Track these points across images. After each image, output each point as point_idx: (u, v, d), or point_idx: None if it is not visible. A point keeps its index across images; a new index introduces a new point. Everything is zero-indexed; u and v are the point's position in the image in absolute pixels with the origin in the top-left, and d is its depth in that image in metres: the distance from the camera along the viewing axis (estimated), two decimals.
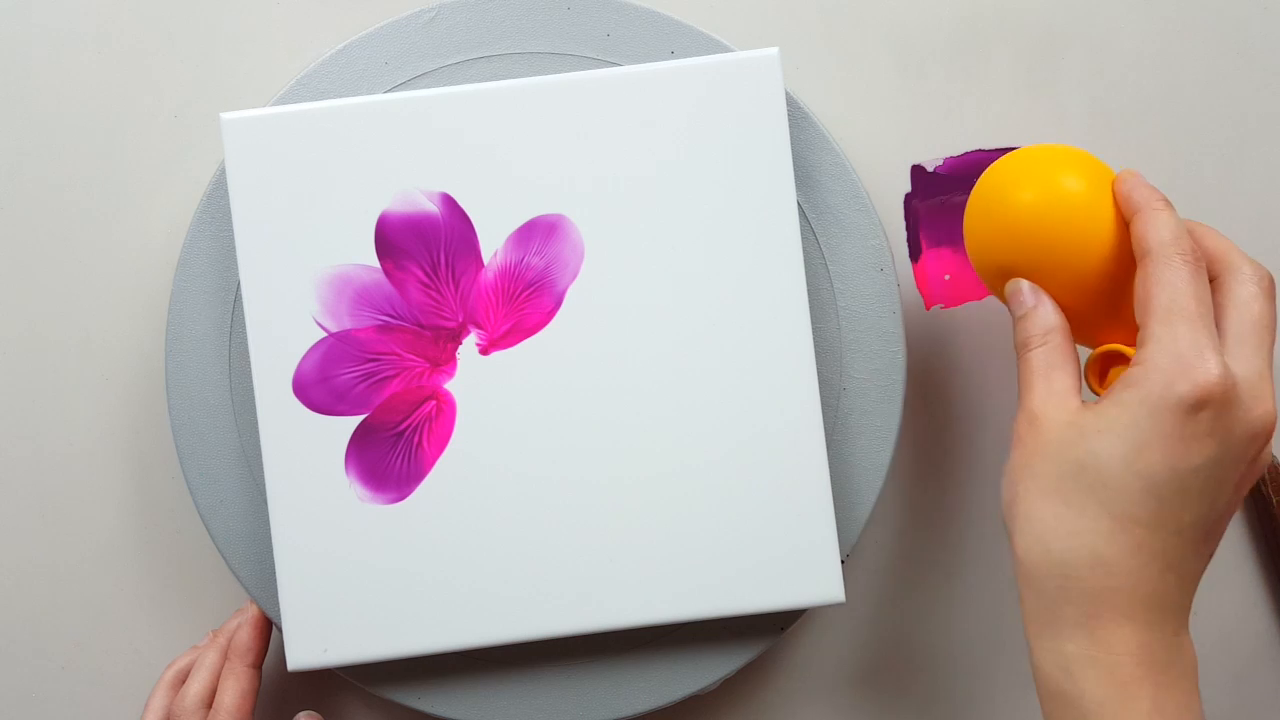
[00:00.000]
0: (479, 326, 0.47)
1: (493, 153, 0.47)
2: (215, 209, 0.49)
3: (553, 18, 0.49)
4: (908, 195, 0.50)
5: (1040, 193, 0.41)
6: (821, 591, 0.47)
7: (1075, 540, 0.37)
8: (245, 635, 0.49)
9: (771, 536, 0.47)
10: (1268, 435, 0.38)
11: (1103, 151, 0.53)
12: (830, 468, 0.48)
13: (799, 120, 0.49)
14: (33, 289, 0.52)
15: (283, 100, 0.49)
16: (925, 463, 0.53)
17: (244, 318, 0.47)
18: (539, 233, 0.47)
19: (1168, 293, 0.37)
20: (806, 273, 0.48)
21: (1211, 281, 0.40)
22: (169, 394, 0.49)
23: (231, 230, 0.49)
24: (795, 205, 0.47)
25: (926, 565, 0.53)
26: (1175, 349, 0.37)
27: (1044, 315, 0.41)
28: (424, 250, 0.47)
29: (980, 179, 0.44)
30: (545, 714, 0.49)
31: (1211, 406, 0.36)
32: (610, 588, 0.47)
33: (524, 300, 0.47)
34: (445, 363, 0.47)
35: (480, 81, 0.48)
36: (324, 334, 0.47)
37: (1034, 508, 0.38)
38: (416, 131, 0.47)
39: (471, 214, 0.47)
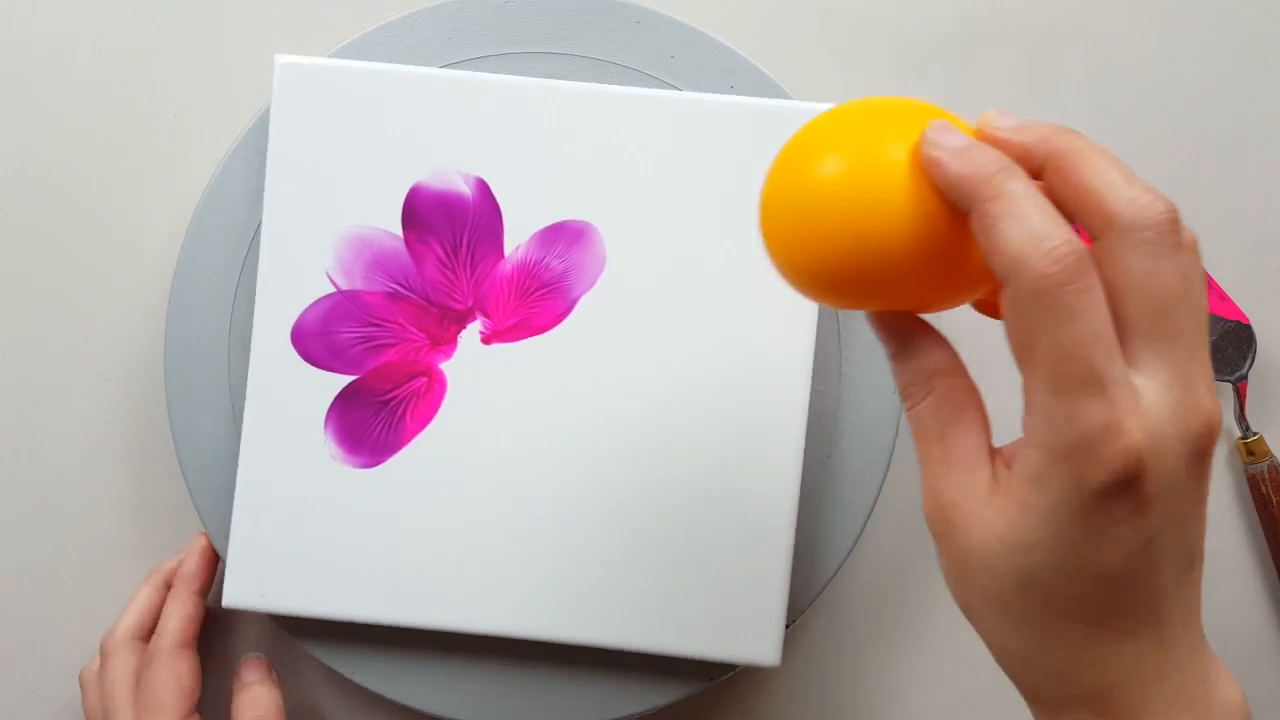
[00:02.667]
0: (486, 315, 0.47)
1: (536, 149, 0.47)
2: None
3: (622, 29, 0.49)
4: None
5: (847, 166, 0.29)
6: (758, 651, 0.47)
7: (1056, 654, 0.30)
8: (192, 563, 0.48)
9: (724, 586, 0.47)
10: (1212, 438, 0.29)
11: None
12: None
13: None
14: (33, 289, 0.52)
15: (340, 54, 0.49)
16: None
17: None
18: (565, 236, 0.47)
19: (1045, 345, 0.27)
20: None
21: (1093, 240, 0.29)
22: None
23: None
24: None
25: (924, 564, 0.53)
26: (1076, 428, 0.27)
27: (921, 358, 0.31)
28: (449, 229, 0.47)
29: (776, 157, 0.31)
30: (469, 700, 0.49)
31: (1146, 472, 0.28)
32: (554, 599, 0.47)
33: (536, 299, 0.47)
34: (446, 343, 0.47)
35: (538, 76, 0.48)
36: (333, 289, 0.47)
37: (1002, 636, 0.31)
38: (465, 112, 0.47)
39: (503, 204, 0.47)
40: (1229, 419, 0.53)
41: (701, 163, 0.47)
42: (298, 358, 0.47)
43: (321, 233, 0.47)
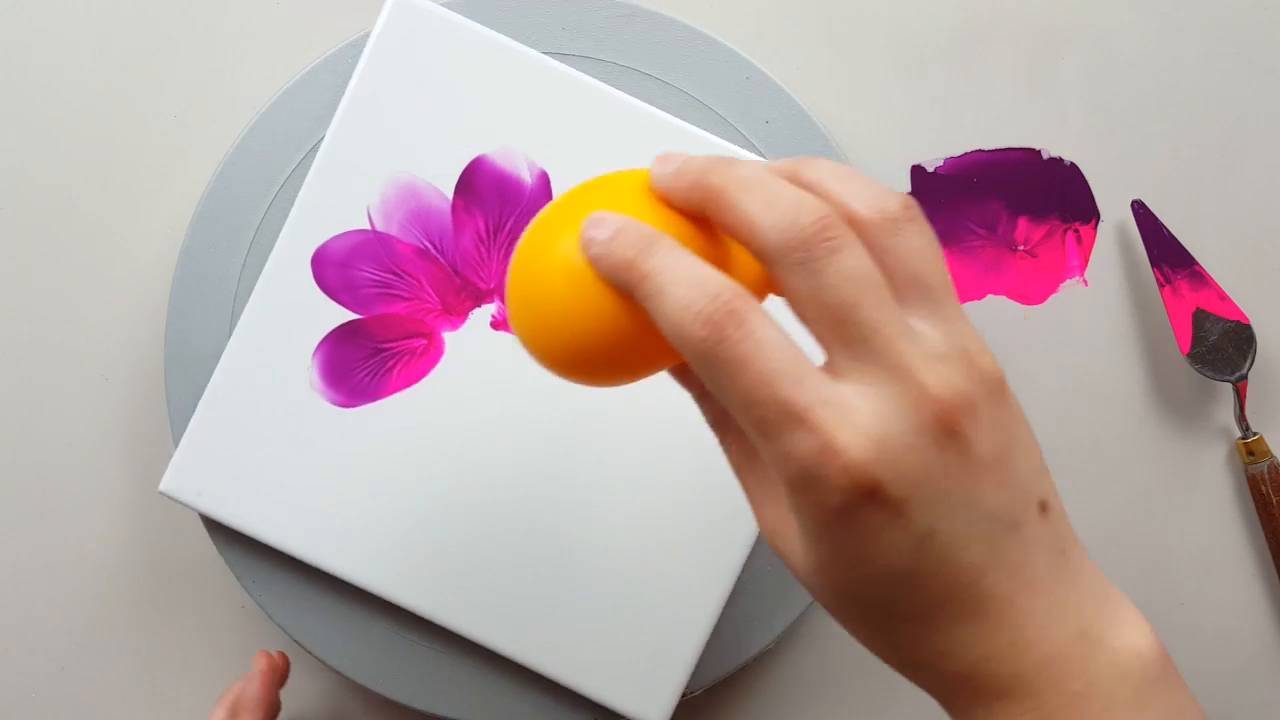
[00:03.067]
0: (504, 302, 0.47)
1: (608, 162, 0.46)
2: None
3: (732, 81, 0.49)
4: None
5: (552, 262, 0.30)
6: (646, 711, 0.47)
7: (910, 650, 0.30)
8: (254, 690, 0.47)
9: (639, 635, 0.47)
10: (952, 417, 0.28)
11: (1103, 151, 0.53)
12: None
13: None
14: (33, 289, 0.52)
15: (452, 6, 0.48)
16: None
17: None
18: None
19: (733, 399, 0.28)
20: None
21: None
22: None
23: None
24: None
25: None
26: (793, 463, 0.27)
27: (709, 404, 0.33)
28: (498, 208, 0.47)
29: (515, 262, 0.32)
30: (355, 654, 0.49)
31: (880, 480, 0.27)
32: (471, 592, 0.47)
33: None
34: (457, 315, 0.47)
35: (635, 96, 0.47)
36: (368, 227, 0.47)
37: (860, 639, 0.31)
38: (554, 104, 0.47)
39: None
40: (1229, 419, 0.53)
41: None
42: (311, 280, 0.47)
43: (376, 169, 0.47)
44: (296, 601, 0.49)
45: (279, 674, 0.48)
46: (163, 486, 0.47)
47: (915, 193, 0.50)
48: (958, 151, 0.51)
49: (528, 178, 0.47)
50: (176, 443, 0.49)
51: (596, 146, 0.47)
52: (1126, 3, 0.53)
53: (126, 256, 0.52)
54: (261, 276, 0.47)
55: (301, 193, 0.47)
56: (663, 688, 0.47)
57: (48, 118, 0.52)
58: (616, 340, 0.30)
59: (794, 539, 0.30)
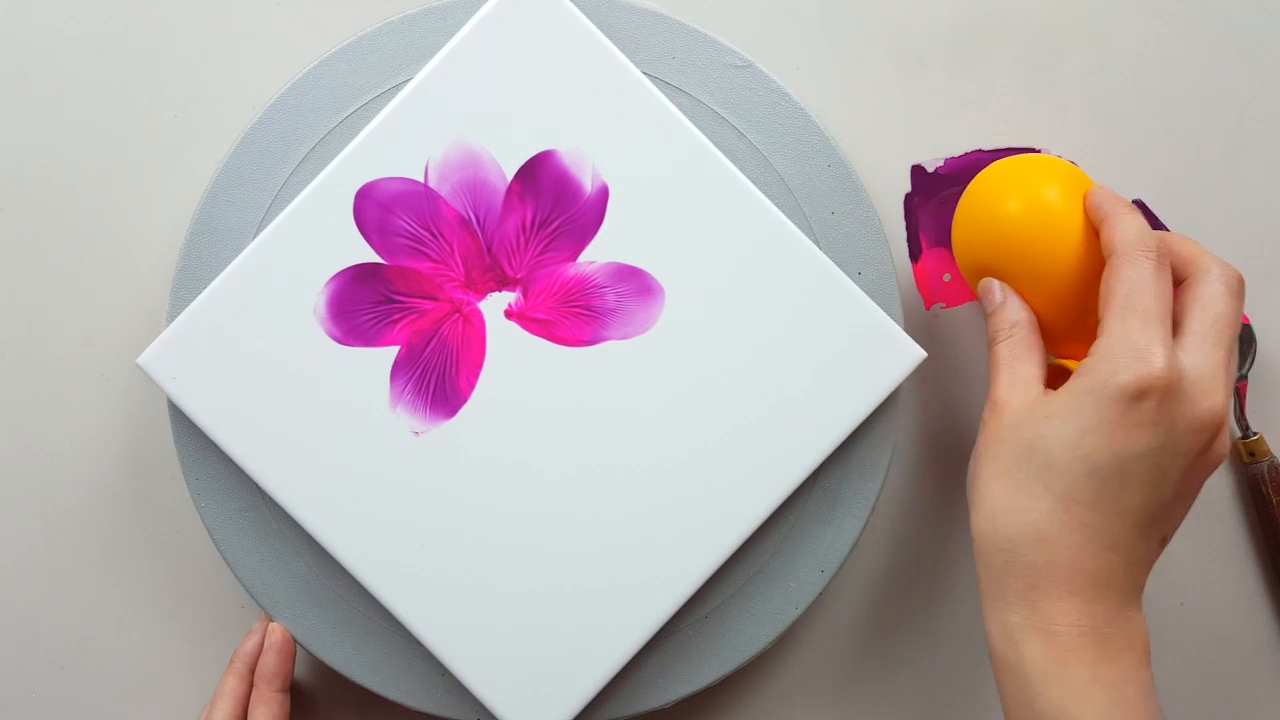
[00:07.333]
0: (524, 295, 0.47)
1: (673, 197, 0.47)
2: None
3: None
4: (908, 195, 0.50)
5: (1022, 202, 0.43)
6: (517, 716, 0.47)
7: (1020, 517, 0.39)
8: (271, 661, 0.48)
9: (551, 651, 0.46)
10: (1215, 428, 0.39)
11: (1103, 151, 0.53)
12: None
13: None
14: (33, 289, 0.52)
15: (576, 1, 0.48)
16: (925, 460, 0.53)
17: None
18: (636, 284, 0.47)
19: (1126, 288, 0.39)
20: None
21: (1182, 283, 0.41)
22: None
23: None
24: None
25: (926, 561, 0.53)
26: (1125, 340, 0.38)
27: (1011, 310, 0.43)
28: (550, 205, 0.47)
29: (970, 185, 0.45)
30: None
31: (1154, 396, 0.38)
32: (401, 557, 0.46)
33: (573, 314, 0.47)
34: (476, 292, 0.47)
35: (710, 139, 0.48)
36: (421, 181, 0.47)
37: (988, 488, 0.41)
38: (639, 123, 0.47)
39: (608, 219, 0.47)
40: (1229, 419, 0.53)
41: (797, 326, 0.47)
42: (349, 212, 0.47)
43: (447, 127, 0.47)
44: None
45: (292, 647, 0.49)
46: (140, 360, 0.47)
47: (915, 192, 0.50)
48: (958, 151, 0.51)
49: (589, 186, 0.47)
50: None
51: (665, 177, 0.47)
52: (1126, 3, 0.53)
53: (126, 256, 0.52)
54: (301, 195, 0.47)
55: (370, 126, 0.47)
56: (555, 710, 0.47)
57: (49, 117, 0.52)
58: (1062, 244, 0.43)
59: (1030, 401, 0.41)
